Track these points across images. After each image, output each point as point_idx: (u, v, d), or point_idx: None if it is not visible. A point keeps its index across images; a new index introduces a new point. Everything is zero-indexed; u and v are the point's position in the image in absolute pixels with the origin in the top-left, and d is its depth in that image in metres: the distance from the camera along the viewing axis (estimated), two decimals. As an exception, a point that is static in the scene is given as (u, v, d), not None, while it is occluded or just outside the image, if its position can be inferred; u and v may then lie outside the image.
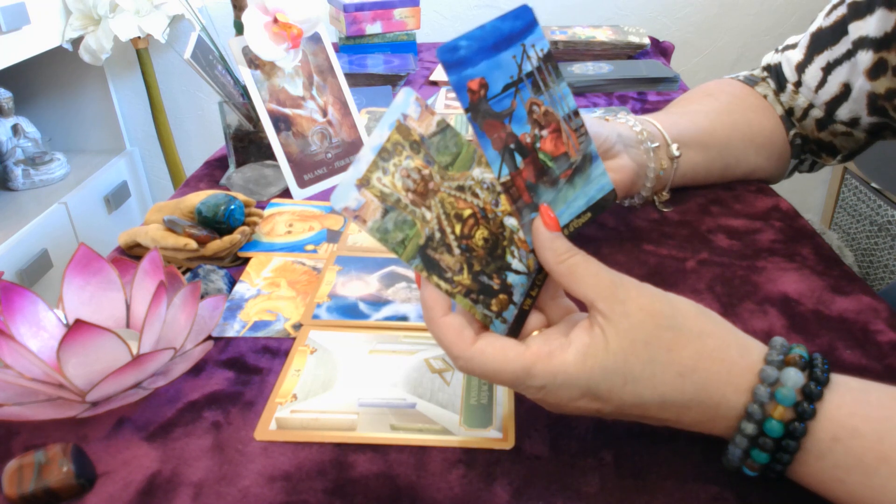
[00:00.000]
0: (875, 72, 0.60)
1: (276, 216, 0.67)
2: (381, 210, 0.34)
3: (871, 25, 0.59)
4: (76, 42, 1.58)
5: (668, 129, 0.64)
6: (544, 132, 0.37)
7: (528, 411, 0.42)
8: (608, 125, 0.58)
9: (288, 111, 0.70)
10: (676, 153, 0.63)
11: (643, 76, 1.05)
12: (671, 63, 1.31)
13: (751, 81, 0.73)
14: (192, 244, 0.57)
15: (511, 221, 0.37)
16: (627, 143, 0.60)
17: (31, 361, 0.40)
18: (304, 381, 0.45)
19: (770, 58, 0.73)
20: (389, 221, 0.34)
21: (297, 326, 0.51)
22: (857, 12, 0.61)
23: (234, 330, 0.51)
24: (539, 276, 0.38)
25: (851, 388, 0.34)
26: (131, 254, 0.61)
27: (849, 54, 0.62)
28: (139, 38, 1.60)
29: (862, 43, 0.60)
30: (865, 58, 0.60)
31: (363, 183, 0.33)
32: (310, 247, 0.62)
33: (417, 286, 0.36)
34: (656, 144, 0.62)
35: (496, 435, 0.41)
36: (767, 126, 0.70)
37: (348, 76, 1.05)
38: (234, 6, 0.72)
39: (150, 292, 0.44)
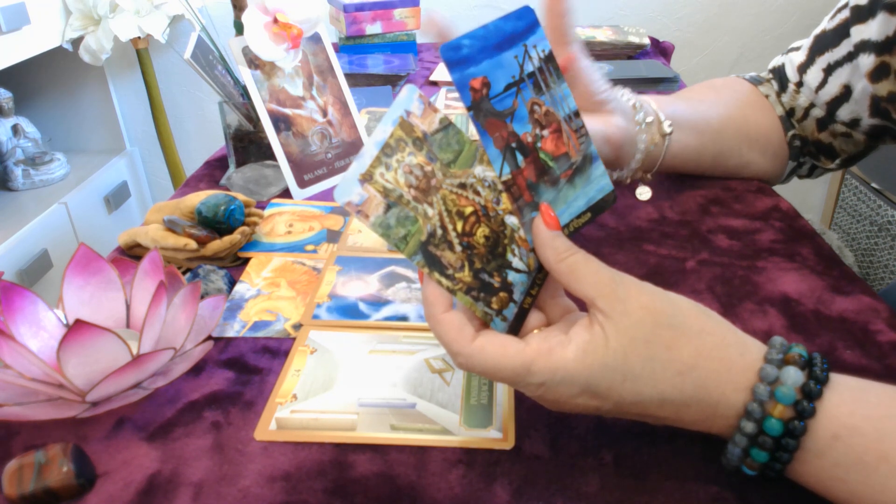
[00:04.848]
0: (877, 75, 0.60)
1: (276, 216, 0.67)
2: (384, 205, 0.34)
3: (872, 29, 0.59)
4: (76, 42, 1.58)
5: (662, 108, 0.64)
6: (545, 132, 0.37)
7: (529, 411, 0.42)
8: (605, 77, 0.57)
9: (288, 111, 0.70)
10: (668, 129, 0.63)
11: (643, 76, 1.05)
12: (671, 63, 1.31)
13: (755, 81, 0.74)
14: (192, 244, 0.57)
15: (512, 220, 0.37)
16: (624, 110, 0.59)
17: (31, 361, 0.39)
18: (304, 381, 0.45)
19: (776, 60, 0.74)
20: (392, 217, 0.34)
21: (297, 326, 0.51)
22: (859, 16, 0.61)
23: (234, 330, 0.51)
24: (539, 275, 0.38)
25: (851, 387, 0.35)
26: (131, 254, 0.61)
27: (850, 56, 0.63)
28: (139, 38, 1.60)
29: (864, 46, 0.60)
30: (867, 61, 0.60)
31: (366, 178, 0.33)
32: (310, 247, 0.62)
33: (420, 283, 0.36)
34: (650, 119, 0.62)
35: (496, 435, 0.41)
36: (763, 122, 0.70)
37: (348, 76, 1.05)
38: (234, 6, 0.72)
39: (150, 292, 0.44)
